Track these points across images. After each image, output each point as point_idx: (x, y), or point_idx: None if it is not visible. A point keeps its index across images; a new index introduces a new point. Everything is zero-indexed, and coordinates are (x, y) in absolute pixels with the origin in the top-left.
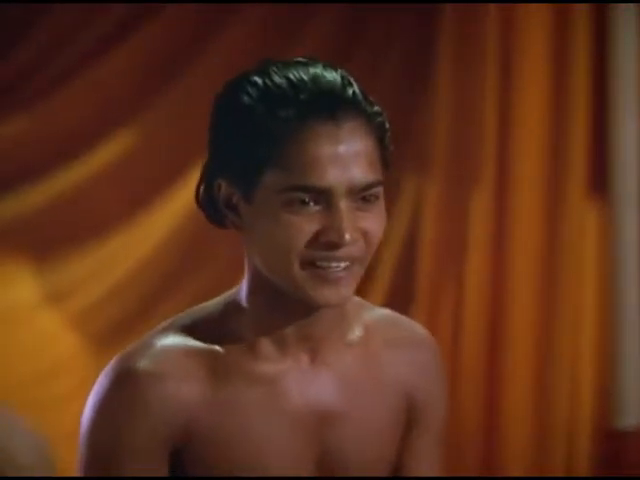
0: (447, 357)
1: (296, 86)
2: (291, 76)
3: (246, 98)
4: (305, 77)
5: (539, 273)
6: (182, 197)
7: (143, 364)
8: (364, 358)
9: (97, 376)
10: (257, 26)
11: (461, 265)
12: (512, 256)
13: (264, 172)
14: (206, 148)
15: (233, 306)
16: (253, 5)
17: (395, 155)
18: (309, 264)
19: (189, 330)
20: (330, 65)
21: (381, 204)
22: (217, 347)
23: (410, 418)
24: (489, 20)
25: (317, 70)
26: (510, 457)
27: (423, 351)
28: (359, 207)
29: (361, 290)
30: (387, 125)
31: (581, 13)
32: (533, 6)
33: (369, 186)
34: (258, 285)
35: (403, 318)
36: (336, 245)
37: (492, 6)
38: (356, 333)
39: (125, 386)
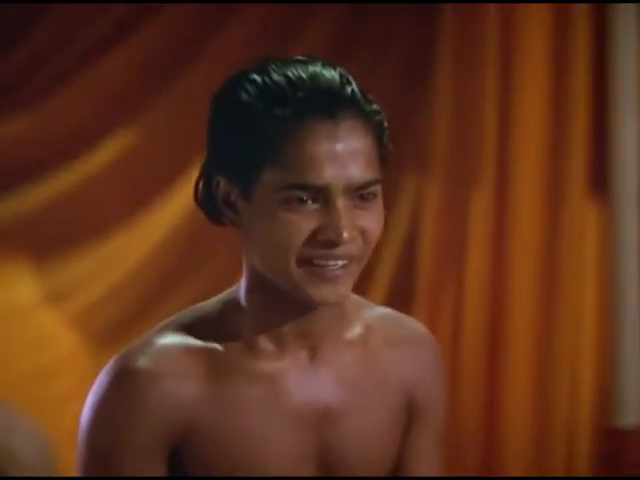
0: (447, 357)
1: (295, 84)
2: (290, 74)
3: (245, 96)
4: (304, 75)
5: (539, 273)
6: (182, 197)
7: (142, 363)
8: (364, 356)
9: (97, 376)
10: (257, 26)
11: (461, 265)
12: (512, 256)
13: (262, 170)
14: (205, 147)
15: (232, 305)
16: (253, 5)
17: (395, 155)
18: (306, 262)
19: (188, 329)
20: (329, 63)
21: (379, 202)
22: (216, 345)
23: (410, 416)
24: (489, 20)
25: (316, 68)
26: (510, 457)
27: (423, 349)
28: (357, 205)
29: (361, 290)
30: (385, 124)
31: (581, 13)
32: (533, 6)
33: (367, 184)
34: (256, 283)
35: (403, 316)
36: (334, 243)
37: (492, 6)
38: (356, 331)
39: (124, 385)
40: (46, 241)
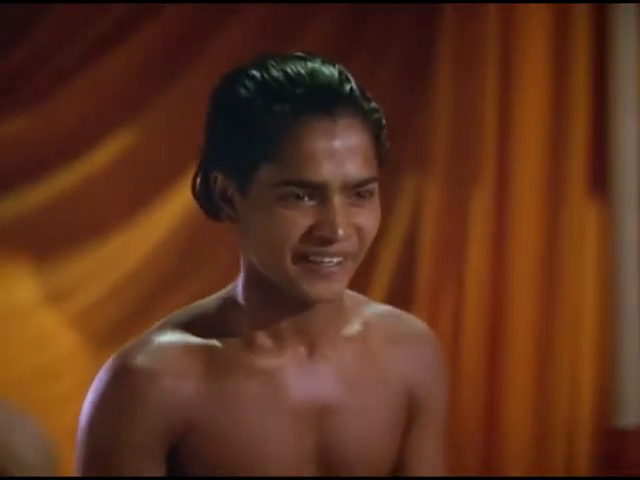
0: (447, 357)
1: (293, 80)
2: (289, 70)
3: (243, 91)
4: (303, 71)
5: (539, 273)
6: (182, 197)
7: (141, 361)
8: (363, 353)
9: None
10: (257, 26)
11: (461, 265)
12: (512, 256)
13: (259, 166)
14: (203, 143)
15: (230, 302)
16: (253, 5)
17: (395, 155)
18: (302, 259)
19: (187, 326)
20: (328, 60)
21: (376, 200)
22: (214, 342)
23: (411, 415)
24: (489, 20)
25: (315, 65)
26: (510, 457)
27: (424, 346)
28: (353, 203)
29: (361, 290)
30: (384, 122)
31: (581, 13)
32: (533, 6)
33: (364, 182)
34: (253, 280)
35: (403, 314)
36: (329, 240)
37: (492, 6)
38: (354, 328)
39: (123, 383)
40: (46, 241)
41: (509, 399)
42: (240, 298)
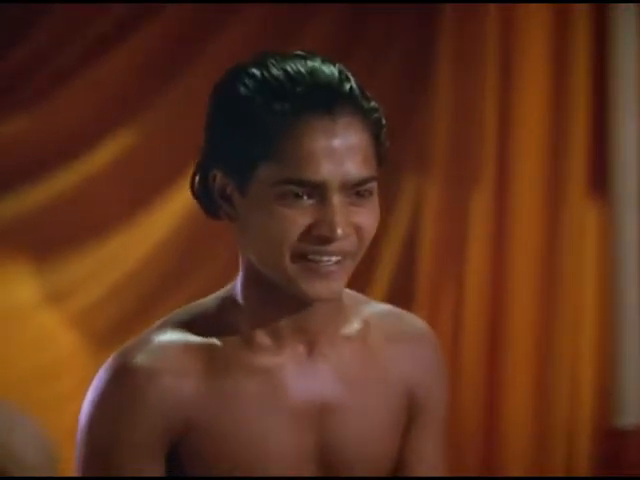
0: (447, 357)
1: (293, 79)
2: (289, 69)
3: (243, 89)
4: (303, 70)
5: (539, 273)
6: (182, 197)
7: (140, 360)
8: (363, 351)
9: None
10: (257, 26)
11: (461, 265)
12: (512, 256)
13: (258, 165)
14: (203, 140)
15: (229, 301)
16: (253, 5)
17: (395, 155)
18: (301, 257)
19: (186, 325)
20: (328, 59)
21: (375, 200)
22: (214, 341)
23: (411, 414)
24: (489, 20)
25: (315, 64)
26: (510, 457)
27: (423, 345)
28: (352, 202)
29: (361, 290)
30: (383, 121)
31: (581, 13)
32: (533, 6)
33: (363, 181)
34: (252, 279)
35: (403, 313)
36: (328, 239)
37: (492, 6)
38: (354, 327)
39: (123, 382)
40: (46, 241)
41: (509, 399)
42: (239, 297)
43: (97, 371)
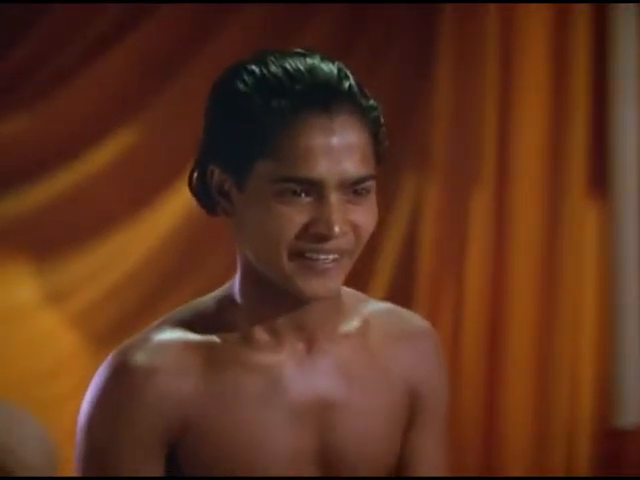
0: (447, 357)
1: (292, 76)
2: (288, 66)
3: (242, 86)
4: (302, 68)
5: (539, 273)
6: (182, 197)
7: (140, 358)
8: (362, 349)
9: None
10: (256, 26)
11: (461, 265)
12: (512, 256)
13: (256, 162)
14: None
15: (227, 300)
16: (252, 5)
17: (395, 154)
18: (298, 255)
19: (185, 324)
20: (327, 57)
21: (372, 198)
22: (213, 339)
23: (412, 412)
24: (489, 20)
25: (314, 61)
26: (510, 457)
27: (423, 342)
28: (350, 200)
29: (361, 289)
30: (382, 120)
31: (581, 13)
32: (533, 6)
33: (361, 180)
34: (249, 277)
35: (403, 310)
36: (325, 237)
37: (492, 6)
38: (353, 324)
39: (122, 380)
40: (46, 241)
41: (509, 399)
42: (237, 295)
43: (97, 371)
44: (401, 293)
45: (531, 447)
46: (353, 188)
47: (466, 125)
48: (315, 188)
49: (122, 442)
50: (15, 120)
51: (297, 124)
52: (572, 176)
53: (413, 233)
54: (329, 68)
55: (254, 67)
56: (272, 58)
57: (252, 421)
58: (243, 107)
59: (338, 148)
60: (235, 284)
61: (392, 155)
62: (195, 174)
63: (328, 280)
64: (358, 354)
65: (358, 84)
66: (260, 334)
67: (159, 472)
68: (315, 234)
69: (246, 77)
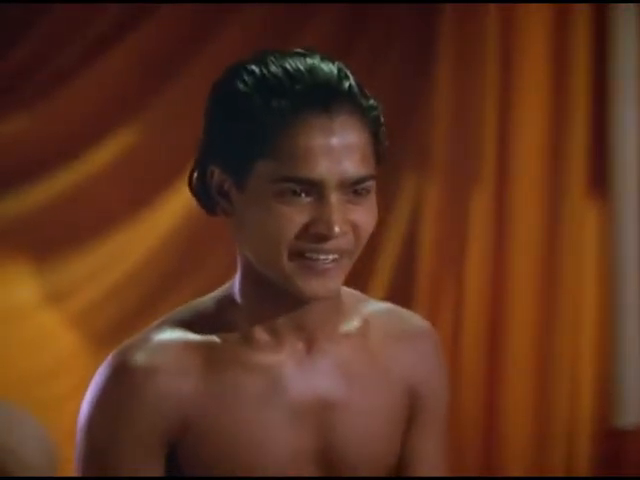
0: (447, 357)
1: (292, 76)
2: (288, 66)
3: (242, 86)
4: (302, 68)
5: (539, 273)
6: (182, 197)
7: (140, 358)
8: (362, 348)
9: None
10: (256, 26)
11: (461, 265)
12: (512, 256)
13: (256, 162)
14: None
15: (227, 300)
16: (252, 5)
17: (395, 154)
18: (298, 255)
19: (185, 324)
20: (327, 57)
21: (372, 198)
22: (213, 339)
23: (412, 411)
24: (489, 20)
25: (314, 61)
26: (510, 457)
27: (423, 342)
28: (350, 200)
29: (361, 290)
30: (382, 120)
31: (581, 13)
32: (533, 6)
33: (361, 180)
34: (249, 277)
35: (403, 310)
36: (325, 237)
37: (492, 6)
38: (353, 324)
39: (122, 380)
40: (46, 241)
41: (509, 399)
42: (237, 295)
43: (97, 371)
44: (401, 293)
45: (531, 447)
46: (353, 188)
47: (466, 125)
48: (315, 188)
49: (122, 442)
50: (15, 120)
51: (297, 124)
52: (572, 176)
53: (413, 233)
54: (329, 68)
55: (254, 67)
56: (272, 58)
57: (252, 421)
58: (243, 107)
59: (338, 148)
60: (235, 284)
61: (392, 155)
62: (195, 174)
63: (328, 280)
64: (358, 354)
65: (358, 84)
66: (260, 334)
67: (159, 472)
68: (315, 234)
69: (246, 77)
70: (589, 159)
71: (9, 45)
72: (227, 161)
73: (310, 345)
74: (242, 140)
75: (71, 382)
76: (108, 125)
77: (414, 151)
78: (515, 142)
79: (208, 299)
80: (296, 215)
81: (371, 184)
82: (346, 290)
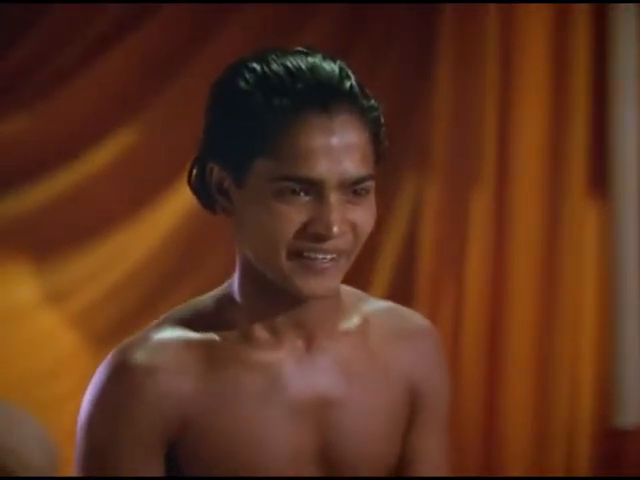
0: (447, 357)
1: (294, 75)
2: (289, 64)
3: (243, 83)
4: (303, 66)
5: (539, 273)
6: (182, 197)
7: (140, 357)
8: (362, 347)
9: None
10: (256, 26)
11: (461, 265)
12: (512, 256)
13: (256, 160)
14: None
15: (227, 298)
16: (252, 5)
17: (395, 154)
18: (296, 255)
19: (185, 322)
20: (329, 56)
21: (372, 198)
22: (213, 337)
23: (413, 409)
24: (489, 20)
25: (316, 60)
26: (510, 457)
27: (424, 341)
28: (349, 200)
29: (361, 289)
30: (382, 120)
31: (581, 13)
32: (533, 6)
33: (361, 180)
34: (248, 276)
35: (403, 309)
36: (323, 237)
37: (492, 6)
38: (353, 322)
39: (122, 379)
40: (46, 241)
41: (509, 399)
42: (236, 294)
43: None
44: (401, 293)
45: (531, 447)
46: (352, 188)
47: (466, 125)
48: (315, 188)
49: (122, 441)
50: (15, 120)
51: (297, 123)
52: (572, 176)
53: (413, 233)
54: (331, 67)
55: (255, 65)
56: (273, 56)
57: (252, 419)
58: (243, 104)
59: (338, 148)
60: (234, 283)
61: (392, 155)
62: (194, 171)
63: (326, 279)
64: (358, 352)
65: (359, 84)
66: (259, 332)
67: (159, 471)
68: (314, 234)
69: (247, 75)
70: (589, 159)
71: (9, 45)
72: (226, 158)
73: (310, 343)
74: (242, 137)
75: (71, 382)
76: (108, 125)
77: (414, 151)
78: (515, 142)
79: (207, 298)
80: (295, 214)
81: (371, 184)
82: (346, 288)
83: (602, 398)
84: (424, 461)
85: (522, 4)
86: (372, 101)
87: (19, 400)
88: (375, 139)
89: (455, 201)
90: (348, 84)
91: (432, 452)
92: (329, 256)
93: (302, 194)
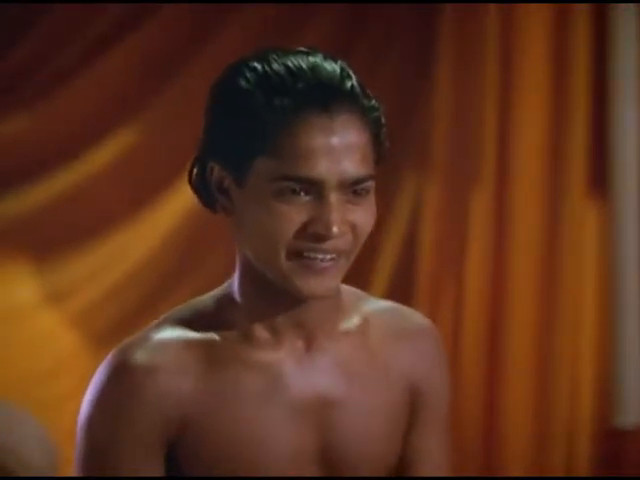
0: (447, 357)
1: (295, 74)
2: (290, 64)
3: (244, 83)
4: (304, 66)
5: (539, 273)
6: (182, 197)
7: (140, 357)
8: (362, 346)
9: None
10: (256, 26)
11: (461, 265)
12: (512, 256)
13: (256, 159)
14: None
15: (227, 298)
16: (252, 5)
17: (395, 155)
18: (296, 254)
19: (185, 322)
20: (330, 56)
21: (372, 198)
22: (213, 337)
23: (414, 409)
24: (489, 20)
25: (317, 60)
26: (510, 457)
27: (424, 340)
28: (349, 200)
29: (361, 289)
30: (383, 120)
31: (581, 13)
32: (533, 6)
33: (361, 180)
34: (248, 276)
35: (404, 308)
36: (323, 237)
37: (492, 6)
38: (353, 322)
39: (122, 379)
40: (46, 241)
41: (509, 399)
42: (236, 294)
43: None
44: (401, 293)
45: (531, 447)
46: (353, 188)
47: (466, 125)
48: (315, 187)
49: (122, 441)
50: (15, 120)
51: (297, 123)
52: (572, 176)
53: (413, 233)
54: (332, 67)
55: (256, 64)
56: (274, 56)
57: (252, 419)
58: (244, 104)
59: (338, 148)
60: (234, 283)
61: (392, 155)
62: (195, 170)
63: (326, 279)
64: (358, 352)
65: (360, 84)
66: (259, 332)
67: (159, 471)
68: (313, 234)
69: (248, 74)
70: (589, 159)
71: (9, 45)
72: (227, 157)
73: (310, 343)
74: (242, 137)
75: (71, 382)
76: (108, 125)
77: (414, 151)
78: (515, 142)
79: (207, 298)
80: (295, 214)
81: (371, 184)
82: (346, 288)
83: (602, 398)
84: (425, 461)
85: (522, 4)
86: (373, 101)
87: (19, 400)
88: (375, 139)
89: (455, 201)
90: (349, 84)
91: (433, 452)
92: (329, 256)
93: (302, 194)
